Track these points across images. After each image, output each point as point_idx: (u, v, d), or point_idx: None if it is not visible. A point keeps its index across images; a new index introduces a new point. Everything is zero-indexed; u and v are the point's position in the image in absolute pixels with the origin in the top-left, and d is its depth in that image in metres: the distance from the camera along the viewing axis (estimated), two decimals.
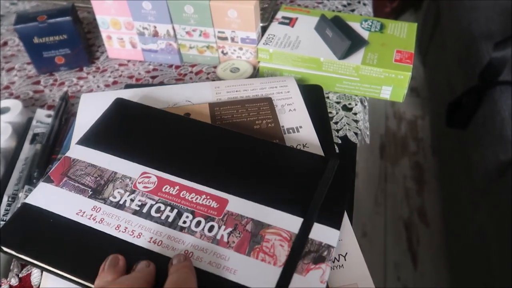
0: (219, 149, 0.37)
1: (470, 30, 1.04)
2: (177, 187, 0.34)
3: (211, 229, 0.31)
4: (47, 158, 0.44)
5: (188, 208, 0.33)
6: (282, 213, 0.32)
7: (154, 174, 0.35)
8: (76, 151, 0.37)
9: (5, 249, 0.31)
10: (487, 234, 0.80)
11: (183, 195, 0.33)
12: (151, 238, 0.31)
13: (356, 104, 0.53)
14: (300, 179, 0.35)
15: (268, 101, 0.44)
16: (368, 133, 0.53)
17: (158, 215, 0.32)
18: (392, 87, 0.51)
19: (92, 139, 0.38)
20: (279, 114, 0.43)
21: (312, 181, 0.34)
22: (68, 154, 0.37)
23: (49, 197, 0.33)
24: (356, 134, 0.49)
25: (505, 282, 0.73)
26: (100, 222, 0.32)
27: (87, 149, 0.37)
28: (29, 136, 0.47)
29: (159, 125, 0.39)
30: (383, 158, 1.39)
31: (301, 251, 0.30)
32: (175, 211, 0.32)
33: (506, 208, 0.72)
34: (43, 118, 0.50)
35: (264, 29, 0.57)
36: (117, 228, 0.31)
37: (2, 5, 0.75)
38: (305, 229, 0.31)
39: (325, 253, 0.30)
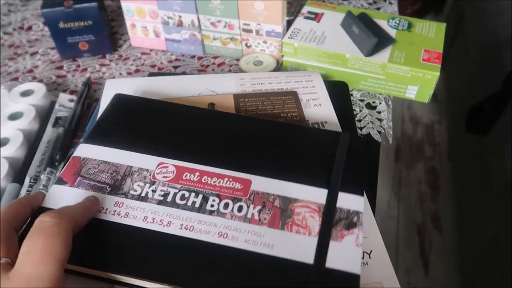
0: (233, 133, 0.37)
1: (495, 35, 1.02)
2: (197, 173, 0.33)
3: (240, 209, 0.31)
4: (69, 141, 0.44)
5: (213, 192, 0.32)
6: (306, 187, 0.33)
7: (171, 163, 0.34)
8: (85, 150, 0.35)
9: None
10: (501, 242, 0.79)
11: (205, 180, 0.33)
12: (182, 225, 0.30)
13: (380, 103, 0.52)
14: (318, 154, 0.36)
15: (293, 94, 0.44)
16: (391, 132, 0.52)
17: (184, 202, 0.32)
18: (419, 86, 0.50)
19: (99, 136, 0.37)
20: (304, 108, 0.42)
21: (330, 155, 0.35)
22: (76, 154, 0.35)
23: (65, 198, 0.32)
24: (379, 132, 0.48)
25: None
26: (126, 216, 0.31)
27: (96, 147, 0.36)
28: (51, 120, 0.47)
29: (165, 116, 0.39)
30: (398, 162, 1.38)
31: (332, 219, 0.31)
32: (200, 196, 0.32)
33: None
34: (65, 102, 0.50)
35: (289, 23, 0.56)
36: (144, 220, 0.31)
37: None
38: (332, 198, 0.32)
39: (355, 219, 0.31)
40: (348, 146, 0.36)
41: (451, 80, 1.52)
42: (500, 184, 0.84)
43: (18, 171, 0.42)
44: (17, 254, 0.24)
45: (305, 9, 0.58)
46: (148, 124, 0.38)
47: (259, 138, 0.37)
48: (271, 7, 0.51)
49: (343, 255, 0.29)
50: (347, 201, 0.32)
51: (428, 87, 0.50)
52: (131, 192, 0.32)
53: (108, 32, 0.59)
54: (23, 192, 0.39)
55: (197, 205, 0.31)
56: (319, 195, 0.32)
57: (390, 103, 0.54)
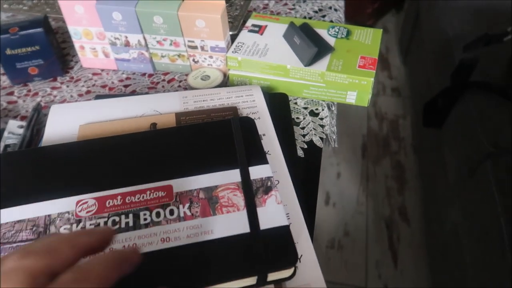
0: (140, 149, 0.39)
1: (445, 31, 1.06)
2: (119, 197, 0.35)
3: (172, 212, 0.34)
4: None
5: (141, 207, 0.34)
6: (220, 173, 0.37)
7: (89, 197, 0.35)
8: None
9: None
10: (460, 232, 0.82)
11: (128, 200, 0.34)
12: (124, 246, 0.32)
13: (323, 109, 0.54)
14: (220, 142, 0.40)
15: (233, 110, 0.45)
16: (334, 137, 0.54)
17: (117, 226, 0.33)
18: (357, 92, 0.53)
19: (1, 198, 0.35)
20: None
21: (229, 140, 0.40)
22: None
23: None
24: (322, 138, 0.51)
25: (476, 279, 0.75)
26: None
27: (2, 211, 0.34)
28: (1, 147, 0.48)
29: (62, 158, 0.38)
30: (365, 158, 1.41)
31: (251, 190, 0.36)
32: (131, 215, 0.34)
33: (477, 207, 0.75)
34: (15, 129, 0.50)
35: (234, 37, 0.58)
36: None
37: None
38: (245, 174, 0.37)
39: (269, 183, 0.36)
40: (241, 127, 0.41)
41: (412, 75, 1.57)
42: (456, 176, 0.88)
43: None
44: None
45: (249, 22, 0.60)
46: (50, 171, 0.37)
47: (166, 146, 0.39)
48: (212, 24, 0.53)
49: (270, 215, 0.34)
50: (257, 171, 0.37)
51: (365, 92, 0.53)
52: None
53: (57, 55, 0.60)
54: None
55: (131, 224, 0.33)
56: (233, 175, 0.37)
57: (333, 108, 0.56)
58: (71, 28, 0.58)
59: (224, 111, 0.45)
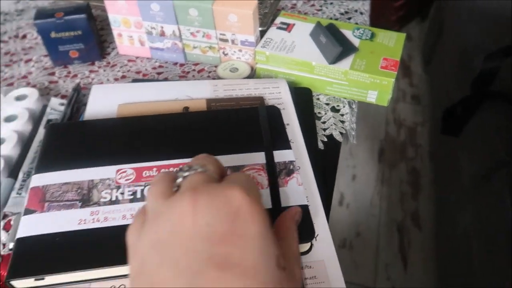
0: (177, 128, 0.42)
1: (468, 41, 1.07)
2: (154, 169, 0.38)
3: None
4: None
5: None
6: (247, 154, 0.40)
7: (128, 167, 0.38)
8: (41, 179, 0.37)
9: (22, 282, 0.32)
10: (471, 236, 0.84)
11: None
12: None
13: (344, 106, 0.57)
14: (247, 126, 0.43)
15: (260, 99, 0.48)
16: (353, 133, 0.57)
17: None
18: (378, 92, 0.56)
19: (49, 163, 0.39)
20: None
21: (256, 125, 0.43)
22: (33, 185, 0.37)
23: (41, 223, 0.34)
24: (341, 133, 0.53)
25: (486, 284, 0.76)
26: (105, 220, 0.34)
27: (50, 173, 0.38)
28: (43, 122, 0.52)
29: (102, 131, 0.42)
30: (381, 162, 1.43)
31: (275, 172, 0.39)
32: None
33: (489, 212, 0.76)
34: (56, 106, 0.55)
35: (263, 33, 0.61)
36: (123, 218, 0.34)
37: (22, 0, 0.80)
38: (269, 157, 0.40)
39: (291, 166, 0.40)
40: (268, 114, 0.44)
41: (433, 84, 1.58)
42: (470, 182, 0.89)
43: (13, 168, 0.46)
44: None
45: (278, 20, 0.63)
46: (93, 141, 0.41)
47: (198, 127, 0.43)
48: (244, 19, 0.56)
49: (291, 194, 0.37)
50: (281, 155, 0.40)
51: (385, 92, 0.55)
52: (102, 200, 0.36)
53: (96, 40, 0.64)
54: (16, 186, 0.44)
55: None
56: (259, 157, 0.40)
57: (354, 106, 0.59)
58: (111, 16, 0.62)
59: (252, 100, 0.48)
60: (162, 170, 0.38)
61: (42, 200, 0.36)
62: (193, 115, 0.45)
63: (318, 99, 0.58)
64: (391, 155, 1.45)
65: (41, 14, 0.60)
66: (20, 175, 0.45)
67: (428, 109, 1.60)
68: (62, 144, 0.41)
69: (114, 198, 0.36)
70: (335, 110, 0.56)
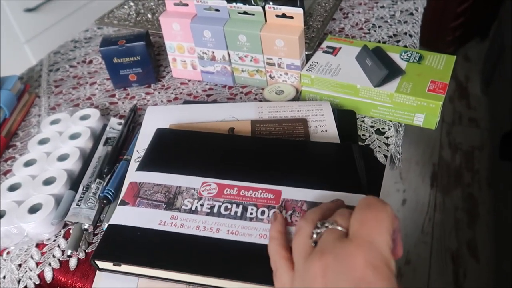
0: (262, 153, 0.44)
1: None
2: (235, 188, 0.40)
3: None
4: (116, 158, 0.53)
5: (251, 202, 0.38)
6: (326, 192, 0.39)
7: (213, 182, 0.41)
8: (139, 176, 0.42)
9: (103, 264, 0.37)
10: None
11: (242, 193, 0.39)
12: (228, 230, 0.37)
13: (389, 129, 0.56)
14: (332, 162, 0.42)
15: (303, 121, 0.50)
16: (399, 156, 0.56)
17: (228, 212, 0.38)
18: (425, 114, 0.55)
19: (149, 164, 0.44)
20: (312, 134, 0.48)
21: (342, 163, 0.42)
22: (132, 179, 0.42)
23: (130, 216, 0.39)
24: (385, 156, 0.53)
25: None
26: (181, 226, 0.37)
27: (148, 173, 0.43)
28: (103, 139, 0.56)
29: (201, 144, 0.46)
30: (433, 188, 1.37)
31: None
32: (241, 206, 0.38)
33: None
34: (115, 125, 0.59)
35: (309, 57, 0.63)
36: (197, 229, 0.37)
37: (91, 29, 0.88)
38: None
39: None
40: (363, 155, 0.43)
41: (494, 106, 1.50)
42: None
43: (74, 181, 0.51)
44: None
45: (325, 44, 0.65)
46: (188, 151, 0.45)
47: (283, 156, 0.43)
48: (290, 44, 0.58)
49: None
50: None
51: (433, 115, 0.54)
52: (183, 207, 0.39)
53: (153, 65, 0.69)
54: (77, 197, 0.48)
55: (238, 214, 0.38)
56: (354, 200, 0.37)
57: (400, 129, 0.58)
58: (167, 43, 0.66)
59: (295, 121, 0.49)
60: (242, 191, 0.40)
61: (136, 195, 0.40)
62: (277, 142, 0.46)
63: (362, 121, 0.58)
64: (445, 180, 1.39)
65: (106, 41, 0.66)
66: (80, 188, 0.49)
67: (487, 132, 1.52)
68: (164, 149, 0.46)
69: (193, 208, 0.39)
70: (380, 132, 0.56)
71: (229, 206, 0.38)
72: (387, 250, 0.28)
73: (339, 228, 0.31)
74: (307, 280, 0.29)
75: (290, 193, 0.39)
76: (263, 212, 0.38)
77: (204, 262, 0.35)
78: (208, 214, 0.38)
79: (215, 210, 0.38)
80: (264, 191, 0.39)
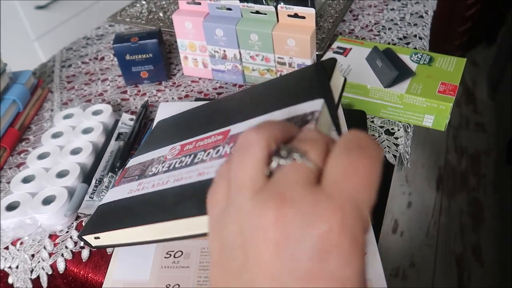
0: (228, 105, 0.45)
1: None
2: (194, 142, 0.40)
3: (217, 151, 0.36)
4: (128, 152, 0.54)
5: (201, 149, 0.38)
6: (283, 110, 0.34)
7: (178, 145, 0.42)
8: (131, 162, 0.47)
9: (89, 237, 0.40)
10: None
11: (198, 145, 0.39)
12: (175, 179, 0.37)
13: (398, 130, 0.57)
14: (294, 83, 0.41)
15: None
16: (408, 157, 0.57)
17: (181, 164, 0.38)
18: (434, 116, 0.55)
19: (141, 150, 0.48)
20: None
21: (306, 78, 0.40)
22: (126, 166, 0.47)
23: (112, 194, 0.42)
24: (394, 156, 0.53)
25: None
26: (142, 189, 0.39)
27: (138, 157, 0.47)
28: (115, 134, 0.57)
29: (182, 119, 0.49)
30: (439, 191, 1.37)
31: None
32: (192, 155, 0.38)
33: None
34: (126, 121, 0.60)
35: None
36: (152, 186, 0.38)
37: (102, 27, 0.89)
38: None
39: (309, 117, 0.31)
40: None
41: (501, 111, 1.50)
42: None
43: (87, 174, 0.52)
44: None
45: (335, 45, 0.65)
46: (169, 128, 0.48)
47: (242, 99, 0.44)
48: (301, 44, 0.58)
49: None
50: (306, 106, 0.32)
51: (443, 116, 0.55)
52: (149, 173, 0.41)
53: (164, 63, 0.70)
54: (89, 190, 0.49)
55: (188, 162, 0.38)
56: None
57: (409, 130, 0.59)
58: (179, 41, 0.67)
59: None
60: (198, 142, 0.40)
61: (123, 177, 0.44)
62: (252, 89, 0.45)
63: (372, 121, 0.58)
64: (451, 184, 1.39)
65: (119, 38, 0.67)
66: (93, 181, 0.50)
67: (494, 137, 1.51)
68: (156, 134, 0.49)
69: (156, 171, 0.40)
70: (389, 133, 0.56)
71: (184, 159, 0.39)
72: (368, 212, 0.20)
73: (309, 165, 0.21)
74: (250, 224, 0.20)
75: (239, 128, 0.37)
76: (208, 154, 0.37)
77: (152, 212, 0.36)
78: (166, 171, 0.39)
79: (171, 167, 0.39)
80: (215, 135, 0.39)
